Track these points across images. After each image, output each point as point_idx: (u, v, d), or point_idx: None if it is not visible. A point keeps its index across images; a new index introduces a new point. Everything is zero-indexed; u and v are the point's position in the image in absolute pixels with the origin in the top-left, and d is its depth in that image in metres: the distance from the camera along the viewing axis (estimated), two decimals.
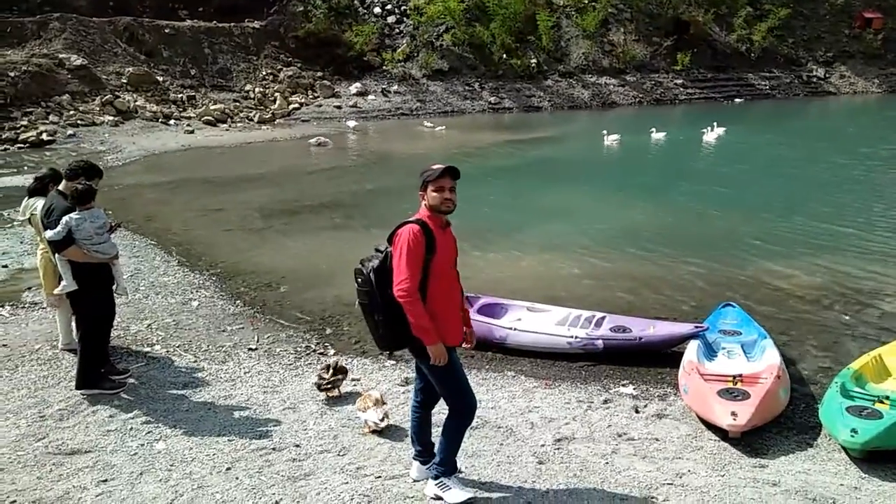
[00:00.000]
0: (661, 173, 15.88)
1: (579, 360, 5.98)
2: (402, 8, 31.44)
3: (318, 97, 27.14)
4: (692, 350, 5.59)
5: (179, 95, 24.79)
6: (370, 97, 27.39)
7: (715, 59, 34.75)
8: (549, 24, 31.47)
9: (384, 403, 4.67)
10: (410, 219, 3.60)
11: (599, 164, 17.41)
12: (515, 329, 6.22)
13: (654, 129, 20.38)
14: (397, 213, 11.56)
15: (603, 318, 6.40)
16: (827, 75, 35.80)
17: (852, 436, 4.24)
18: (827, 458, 4.36)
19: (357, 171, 16.43)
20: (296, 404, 5.05)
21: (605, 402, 5.15)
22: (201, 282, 8.13)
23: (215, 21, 27.74)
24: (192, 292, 7.72)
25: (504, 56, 30.51)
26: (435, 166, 3.63)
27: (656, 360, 5.90)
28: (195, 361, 5.83)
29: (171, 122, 22.98)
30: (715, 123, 20.44)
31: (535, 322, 6.42)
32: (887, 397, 4.65)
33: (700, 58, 34.04)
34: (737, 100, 31.26)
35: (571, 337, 6.09)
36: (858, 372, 5.13)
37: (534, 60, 31.06)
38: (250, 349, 6.14)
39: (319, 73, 28.17)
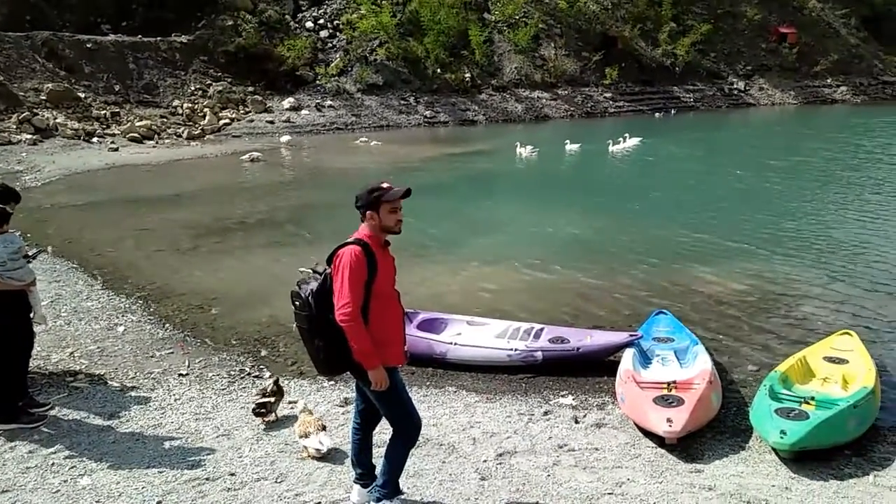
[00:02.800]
0: (581, 184, 16.20)
1: (519, 372, 6.00)
2: (335, 22, 31.29)
3: (250, 112, 26.64)
4: (628, 359, 5.69)
5: (103, 112, 23.88)
6: (304, 112, 27.07)
7: (642, 73, 35.95)
8: (482, 38, 31.90)
9: (324, 428, 4.55)
10: (350, 239, 3.52)
11: (530, 177, 17.65)
12: (455, 344, 6.20)
13: (568, 141, 20.78)
14: (333, 229, 11.44)
15: (541, 329, 6.45)
16: (747, 88, 37.53)
17: (781, 437, 4.38)
18: (759, 459, 4.49)
19: (292, 187, 16.16)
20: (230, 431, 4.87)
21: (546, 413, 5.18)
22: (127, 306, 7.79)
23: (140, 36, 26.91)
24: (117, 317, 7.38)
25: (438, 70, 30.73)
26: (386, 184, 3.57)
27: (594, 369, 5.97)
28: (122, 390, 5.56)
29: (95, 139, 22.09)
30: (627, 135, 20.97)
31: (474, 336, 6.42)
32: (813, 398, 4.84)
33: (628, 72, 35.15)
34: (657, 114, 32.27)
35: (511, 350, 6.11)
36: (785, 374, 5.32)
37: (468, 75, 31.39)
38: (181, 375, 5.90)
39: (251, 88, 27.68)
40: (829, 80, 39.02)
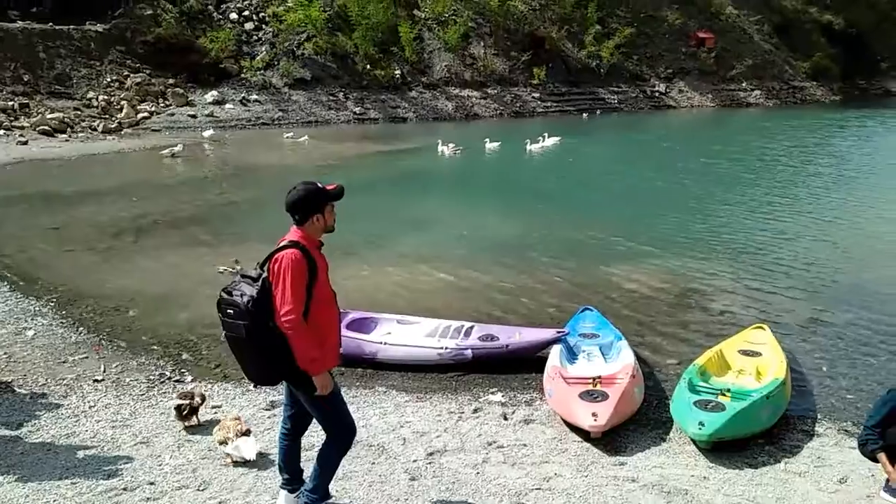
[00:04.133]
0: (502, 183, 16.41)
1: (450, 370, 6.01)
2: (261, 15, 30.52)
3: (171, 105, 25.65)
4: (555, 354, 5.79)
5: (10, 103, 22.48)
6: (228, 106, 26.29)
7: (568, 74, 36.73)
8: (412, 36, 31.83)
9: (247, 432, 4.41)
10: (286, 242, 3.40)
11: (456, 175, 17.74)
12: (385, 343, 6.16)
13: (487, 140, 20.95)
14: (257, 227, 11.20)
15: (471, 327, 6.48)
16: (667, 90, 38.91)
17: (699, 428, 4.55)
18: (679, 451, 4.65)
19: (214, 184, 15.67)
20: (149, 438, 4.67)
21: (476, 411, 5.20)
22: (38, 308, 7.36)
23: (51, 23, 25.46)
24: (26, 320, 6.96)
25: (368, 67, 30.46)
26: (329, 186, 3.53)
27: (523, 366, 6.04)
28: (31, 398, 5.24)
29: (1, 132, 20.79)
30: (545, 134, 21.35)
31: (405, 335, 6.39)
32: (728, 390, 5.05)
33: (555, 73, 35.83)
34: (584, 114, 33.06)
35: (441, 348, 6.12)
36: (703, 367, 5.53)
37: (398, 72, 31.26)
38: (96, 380, 5.62)
39: (171, 81, 26.65)
40: (744, 84, 40.92)
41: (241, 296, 3.30)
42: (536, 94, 34.12)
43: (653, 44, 40.65)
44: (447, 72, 32.77)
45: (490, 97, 32.83)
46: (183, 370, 5.93)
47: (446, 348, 6.11)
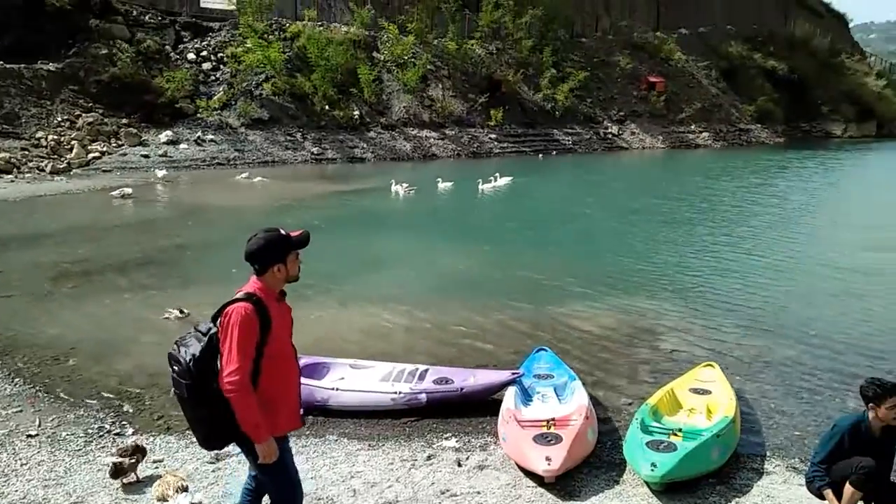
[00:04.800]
0: (455, 223, 16.35)
1: (404, 416, 5.90)
2: (219, 55, 30.47)
3: (123, 145, 25.20)
4: (510, 397, 5.74)
5: None
6: (182, 146, 25.97)
7: (525, 115, 37.46)
8: (371, 77, 32.15)
9: (185, 489, 4.23)
10: (239, 295, 3.19)
11: (409, 215, 17.69)
12: (338, 389, 6.02)
13: (440, 179, 20.99)
14: (208, 270, 10.98)
15: (426, 370, 6.40)
16: (620, 132, 39.95)
17: (652, 470, 4.54)
18: (632, 493, 4.62)
19: (166, 225, 15.34)
20: (84, 497, 4.44)
21: (429, 458, 5.10)
22: None
23: (2, 62, 24.97)
24: None
25: (327, 107, 30.55)
26: (294, 233, 3.29)
27: (478, 409, 5.98)
28: None
29: None
30: (497, 174, 21.58)
31: (358, 380, 6.26)
32: (680, 430, 5.06)
33: (512, 114, 36.51)
34: (540, 155, 33.63)
35: (395, 393, 6.01)
36: (655, 406, 5.55)
37: (356, 112, 31.44)
38: (29, 436, 5.34)
39: (125, 120, 26.25)
40: (693, 127, 42.30)
41: (186, 352, 3.14)
42: (494, 135, 34.67)
43: (606, 87, 41.87)
44: (406, 113, 33.10)
45: (448, 138, 33.22)
46: (124, 422, 5.68)
47: (400, 393, 6.00)
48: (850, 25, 76.52)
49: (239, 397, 3.06)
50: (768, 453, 5.28)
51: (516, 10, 38.99)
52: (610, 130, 39.56)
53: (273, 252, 3.24)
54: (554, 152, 34.85)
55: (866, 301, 9.47)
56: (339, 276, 10.62)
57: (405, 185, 19.83)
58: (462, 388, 6.08)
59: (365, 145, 30.31)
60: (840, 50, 57.64)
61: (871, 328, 8.22)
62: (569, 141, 37.03)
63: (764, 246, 13.22)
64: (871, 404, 4.05)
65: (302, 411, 3.52)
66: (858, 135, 49.32)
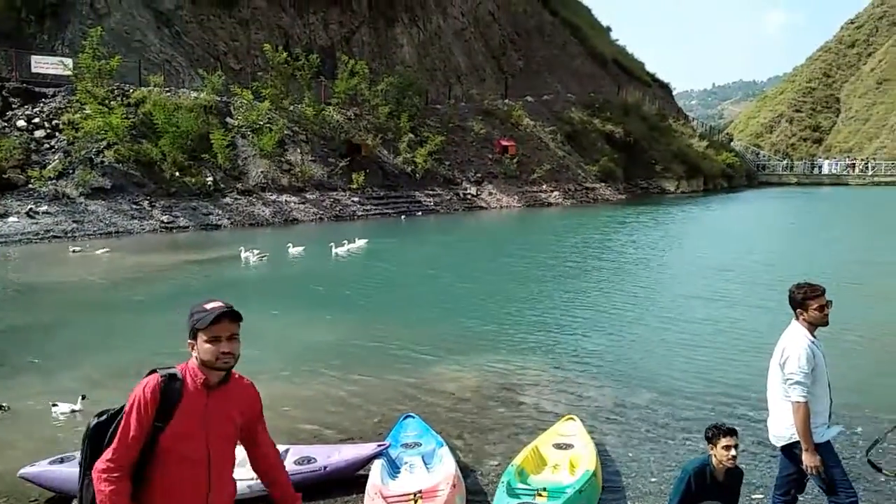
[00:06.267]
0: (308, 289, 15.86)
1: (264, 503, 5.46)
2: (54, 122, 28.43)
3: None
4: (376, 471, 5.52)
5: None
6: (11, 219, 23.63)
7: (386, 178, 37.98)
8: (225, 143, 31.30)
9: None
10: (165, 366, 2.78)
11: (261, 283, 16.91)
12: None
13: (290, 244, 20.57)
14: (39, 358, 9.82)
15: (286, 450, 6.01)
16: (478, 193, 41.48)
17: None
18: None
19: None
20: None
21: None
22: None
23: None
24: None
25: (177, 174, 29.23)
26: (209, 305, 2.76)
27: (345, 487, 5.69)
28: None
29: None
30: (354, 238, 21.58)
31: None
32: (545, 489, 5.06)
33: (373, 177, 36.88)
34: (403, 217, 34.12)
35: (252, 479, 5.55)
36: (520, 466, 5.53)
37: (210, 178, 30.33)
38: None
39: None
40: (544, 187, 44.80)
41: (96, 418, 2.75)
42: (356, 198, 34.74)
43: (462, 150, 43.56)
44: (264, 177, 32.42)
45: (309, 202, 32.84)
46: None
47: (257, 479, 5.57)
48: (674, 93, 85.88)
49: (102, 487, 2.58)
50: (628, 503, 5.41)
51: (372, 78, 39.95)
52: (469, 191, 40.98)
53: (189, 329, 2.75)
54: (420, 213, 35.45)
55: (704, 348, 10.10)
56: (180, 357, 9.70)
57: (256, 251, 19.14)
58: (326, 467, 5.78)
59: (220, 212, 29.21)
60: (667, 115, 64.08)
61: (715, 374, 8.75)
62: (430, 202, 37.88)
63: (609, 300, 13.93)
64: (710, 446, 4.28)
65: None
66: (689, 190, 54.56)
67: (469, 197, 40.54)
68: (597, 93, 57.34)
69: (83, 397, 7.59)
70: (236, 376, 2.88)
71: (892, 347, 10.04)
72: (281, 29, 41.72)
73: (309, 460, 5.85)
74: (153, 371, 2.75)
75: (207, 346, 2.69)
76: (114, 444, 2.63)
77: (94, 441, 2.71)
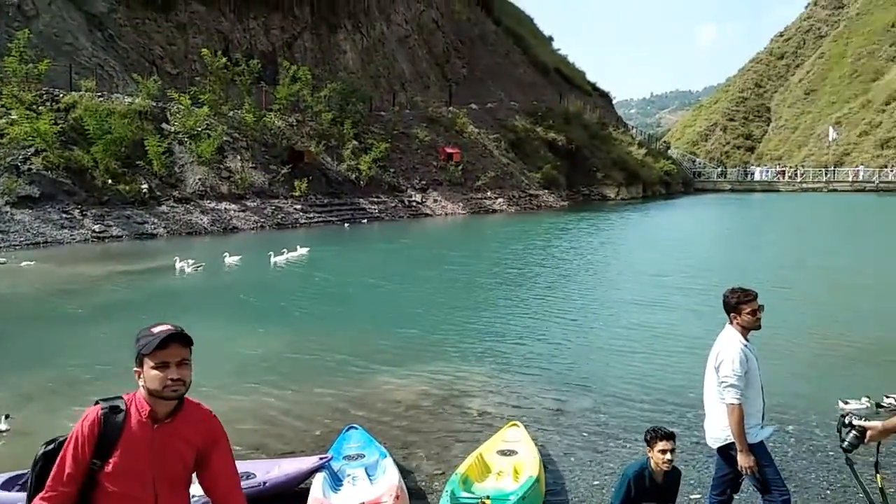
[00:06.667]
0: (246, 300, 15.46)
1: None
2: None
3: None
4: (317, 484, 5.39)
5: None
6: None
7: (329, 185, 37.58)
8: (161, 149, 30.40)
9: None
10: (109, 396, 2.55)
11: (198, 294, 16.34)
12: None
13: (227, 254, 20.08)
14: None
15: None
16: (423, 200, 41.50)
17: None
18: None
19: None
20: None
21: None
22: None
23: None
24: None
25: (109, 181, 28.18)
26: (156, 329, 2.51)
27: (286, 501, 5.54)
28: None
29: None
30: (297, 246, 21.27)
31: None
32: (488, 496, 5.03)
33: (317, 185, 36.43)
34: (346, 224, 33.80)
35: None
36: (465, 475, 5.49)
37: (145, 186, 29.38)
38: None
39: None
40: (489, 194, 45.18)
41: (47, 446, 2.56)
42: (298, 206, 34.24)
43: (407, 158, 43.52)
44: (202, 185, 31.61)
45: (250, 210, 32.18)
46: None
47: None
48: (614, 102, 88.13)
49: None
50: None
51: (314, 84, 39.52)
52: (414, 199, 40.95)
53: (136, 355, 2.51)
54: (364, 220, 35.20)
55: (643, 353, 10.26)
56: (111, 373, 9.04)
57: (191, 261, 18.56)
58: (265, 482, 5.61)
59: (156, 220, 28.32)
60: (607, 123, 65.64)
61: (654, 379, 8.90)
62: (375, 210, 37.67)
63: (551, 306, 14.07)
64: (648, 449, 4.34)
65: None
66: (629, 197, 55.96)
67: (414, 204, 40.50)
68: (539, 101, 58.32)
69: (7, 416, 7.18)
70: (193, 405, 2.64)
71: (819, 349, 10.45)
72: (220, 34, 40.89)
73: (247, 475, 5.67)
74: (98, 402, 2.54)
75: (154, 372, 2.46)
76: (49, 481, 2.44)
77: (41, 472, 2.51)
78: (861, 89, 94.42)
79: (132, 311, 13.60)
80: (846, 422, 3.30)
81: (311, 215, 34.16)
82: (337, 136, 39.39)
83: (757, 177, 75.96)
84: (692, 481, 5.76)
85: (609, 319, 12.73)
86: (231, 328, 12.22)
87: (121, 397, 2.52)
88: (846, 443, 3.28)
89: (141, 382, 2.50)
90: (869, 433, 3.22)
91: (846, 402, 7.46)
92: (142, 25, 37.68)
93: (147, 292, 16.05)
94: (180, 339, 2.50)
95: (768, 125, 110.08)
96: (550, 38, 79.02)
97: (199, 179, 31.68)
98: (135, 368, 2.51)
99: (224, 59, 35.13)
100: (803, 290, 15.58)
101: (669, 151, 79.58)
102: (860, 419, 3.29)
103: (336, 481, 5.64)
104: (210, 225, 29.72)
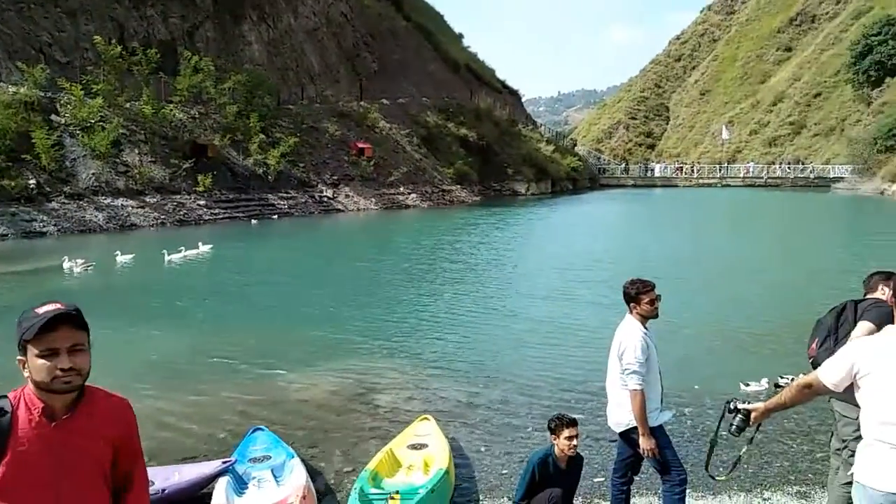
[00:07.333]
0: (141, 299, 14.78)
1: None
2: None
3: None
4: (220, 489, 5.18)
5: None
6: None
7: (236, 181, 36.39)
8: (50, 142, 28.47)
9: None
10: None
11: (93, 295, 15.33)
12: None
13: (118, 252, 19.27)
14: None
15: None
16: (335, 195, 40.91)
17: None
18: None
19: None
20: None
21: None
22: None
23: None
24: None
25: None
26: (41, 309, 2.13)
27: None
28: None
29: None
30: (199, 243, 20.68)
31: None
32: (397, 491, 4.99)
33: (222, 180, 35.20)
34: (253, 220, 32.83)
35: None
36: (375, 471, 5.43)
37: (32, 181, 27.45)
38: None
39: None
40: (401, 189, 45.10)
41: None
42: (202, 202, 32.97)
43: (317, 152, 42.74)
44: (96, 180, 29.86)
45: (149, 206, 30.69)
46: None
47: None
48: (523, 100, 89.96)
49: None
50: (482, 497, 5.49)
51: (218, 75, 38.13)
52: (325, 194, 40.31)
53: (18, 341, 2.12)
54: (274, 216, 34.29)
55: (548, 345, 10.48)
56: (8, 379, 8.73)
57: (80, 261, 17.53)
58: (164, 489, 5.33)
59: (46, 218, 26.54)
60: (517, 120, 67.01)
61: (559, 368, 9.12)
62: (285, 205, 36.81)
63: (460, 301, 14.17)
64: (553, 436, 4.43)
65: None
66: (538, 192, 57.37)
67: (325, 199, 39.88)
68: (450, 97, 58.73)
69: None
70: (101, 393, 2.28)
71: (712, 335, 11.03)
72: (114, 21, 38.65)
73: None
74: None
75: (40, 361, 2.09)
76: None
77: None
78: (751, 91, 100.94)
79: (15, 315, 12.64)
80: (731, 407, 3.46)
81: (217, 211, 32.98)
82: (243, 129, 38.18)
83: (657, 173, 79.75)
84: (596, 465, 5.94)
85: (516, 312, 12.96)
86: (125, 330, 11.50)
87: (5, 396, 2.16)
88: (734, 427, 3.44)
89: (26, 374, 2.14)
90: (753, 415, 3.40)
91: (747, 385, 7.90)
92: (27, 11, 35.04)
93: (31, 294, 14.93)
94: (71, 319, 2.14)
95: (667, 123, 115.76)
96: (461, 36, 79.69)
97: (94, 174, 29.93)
98: (18, 357, 2.14)
99: (119, 48, 33.27)
100: (697, 280, 16.42)
101: (576, 148, 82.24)
102: (744, 403, 3.46)
103: (241, 484, 5.45)
104: (106, 222, 28.14)
